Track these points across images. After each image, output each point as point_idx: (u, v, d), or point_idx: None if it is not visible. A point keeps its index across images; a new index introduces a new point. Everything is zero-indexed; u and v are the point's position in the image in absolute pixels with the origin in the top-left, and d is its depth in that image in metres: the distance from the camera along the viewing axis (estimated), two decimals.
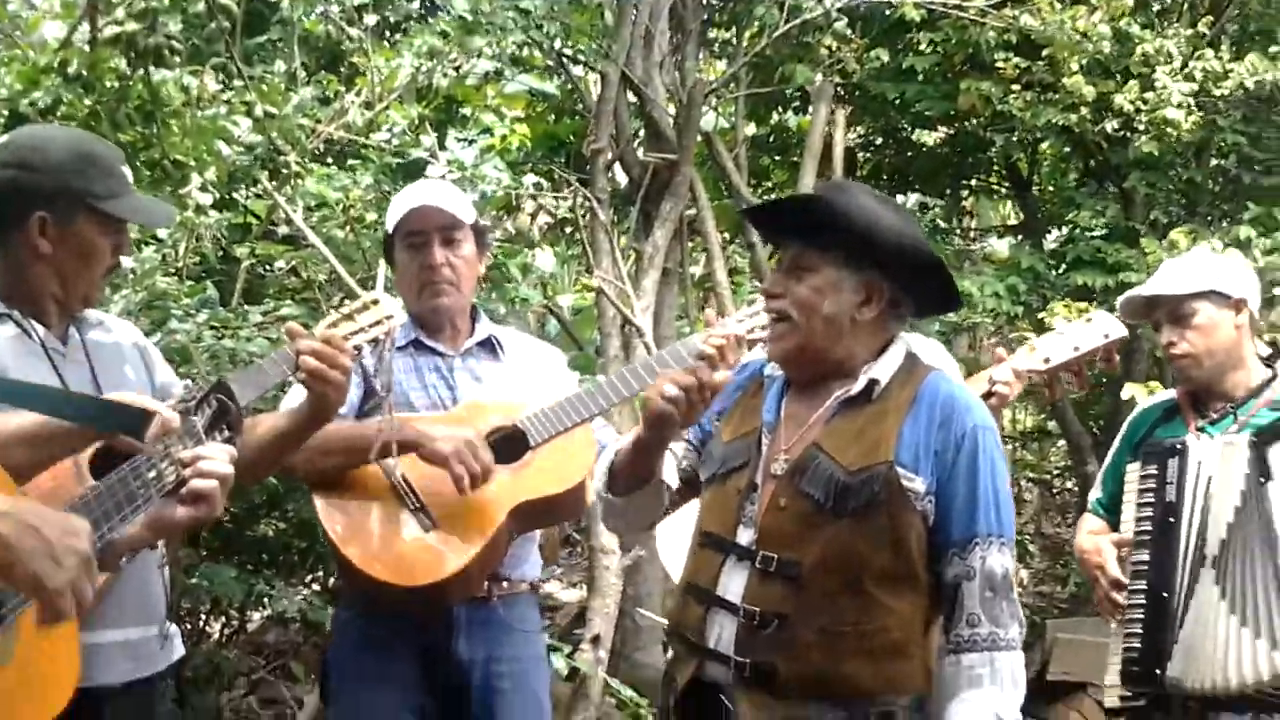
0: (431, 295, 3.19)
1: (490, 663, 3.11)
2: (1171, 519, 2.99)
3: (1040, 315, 6.85)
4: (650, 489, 2.55)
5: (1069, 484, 10.47)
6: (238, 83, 4.65)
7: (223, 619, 5.50)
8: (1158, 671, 2.93)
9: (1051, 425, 8.91)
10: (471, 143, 5.93)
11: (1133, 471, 3.14)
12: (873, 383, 2.42)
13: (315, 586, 5.39)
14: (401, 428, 2.95)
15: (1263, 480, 2.90)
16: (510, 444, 3.07)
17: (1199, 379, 3.15)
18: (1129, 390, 6.25)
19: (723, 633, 2.36)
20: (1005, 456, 2.54)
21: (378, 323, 2.69)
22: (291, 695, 5.43)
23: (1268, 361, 3.22)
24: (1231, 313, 3.12)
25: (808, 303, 2.39)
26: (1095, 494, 3.39)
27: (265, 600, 4.85)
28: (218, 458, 2.16)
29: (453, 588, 2.98)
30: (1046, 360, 3.37)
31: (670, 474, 2.60)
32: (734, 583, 2.37)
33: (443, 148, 5.28)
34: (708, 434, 2.61)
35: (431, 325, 3.24)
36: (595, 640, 5.03)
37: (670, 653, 2.56)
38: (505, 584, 3.16)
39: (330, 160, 5.51)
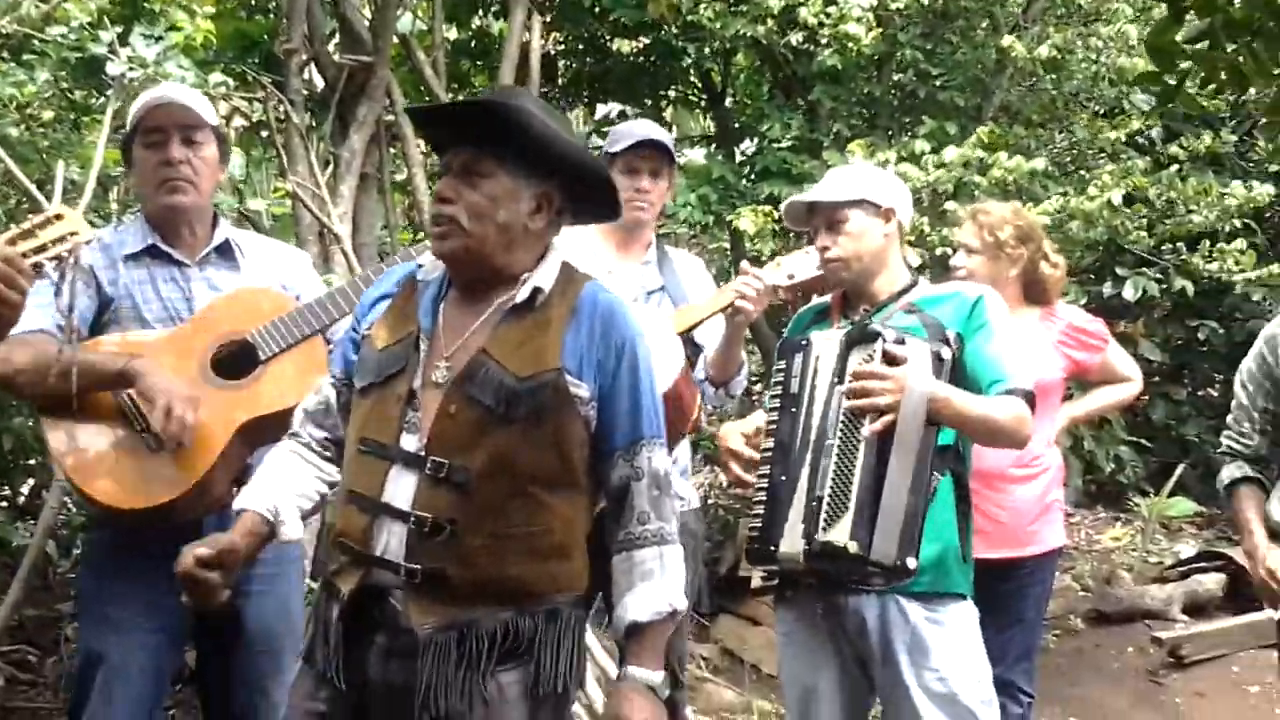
0: (169, 192, 3.14)
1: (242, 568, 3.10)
2: (794, 409, 3.20)
3: (730, 220, 7.10)
4: None
5: (762, 390, 10.86)
6: None
7: None
8: (771, 548, 3.16)
9: (745, 333, 9.16)
10: (159, 39, 5.70)
11: (775, 366, 3.33)
12: (537, 290, 2.50)
13: (1, 503, 5.19)
14: (130, 360, 2.94)
15: (837, 380, 3.13)
16: (240, 358, 3.06)
17: (847, 280, 3.35)
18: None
19: (390, 540, 2.41)
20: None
21: (61, 239, 2.62)
22: None
23: (914, 272, 3.44)
24: (881, 221, 3.32)
25: (482, 210, 2.45)
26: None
27: None
28: None
29: (179, 509, 2.96)
30: (791, 276, 3.58)
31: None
32: (402, 490, 2.42)
33: (125, 44, 5.05)
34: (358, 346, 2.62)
35: (169, 228, 3.19)
36: None
37: (333, 563, 2.54)
38: None
39: (5, 55, 5.21)
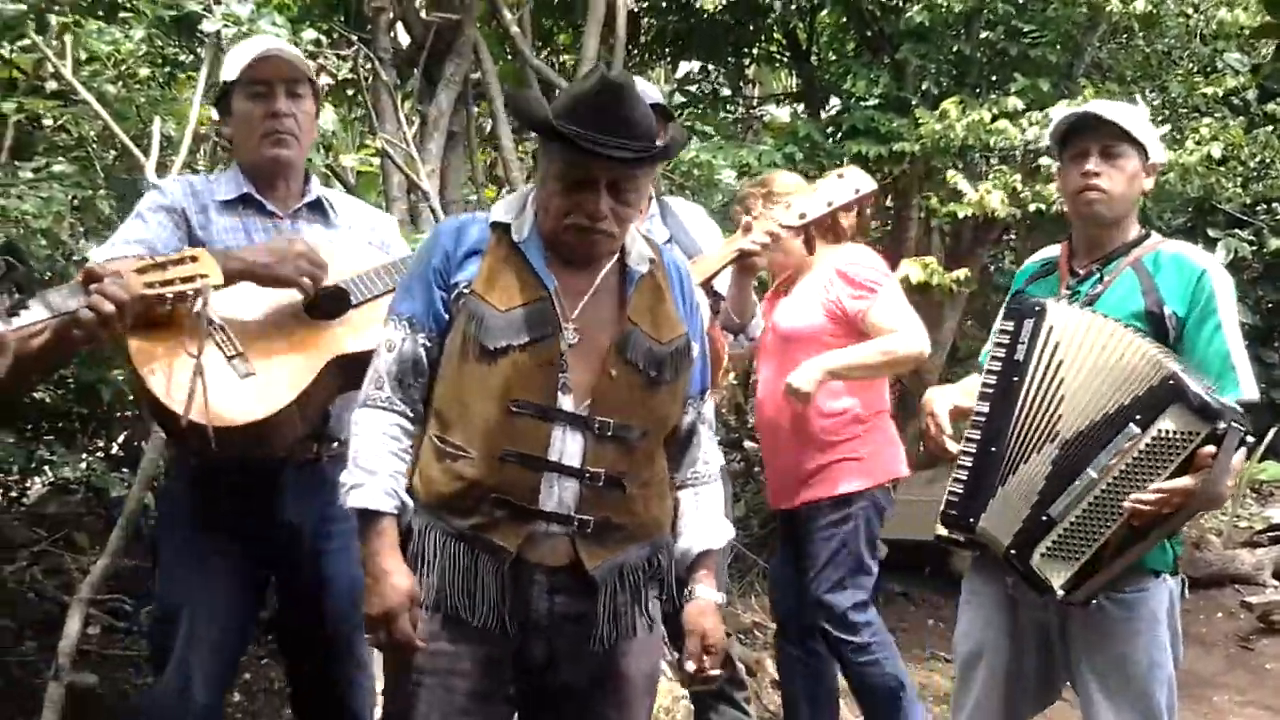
0: (273, 144, 3.15)
1: (321, 523, 3.11)
2: (1016, 378, 3.04)
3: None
4: None
5: None
6: None
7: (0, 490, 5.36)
8: (971, 520, 3.06)
9: None
10: None
11: (996, 323, 3.19)
12: (651, 261, 2.68)
13: (99, 454, 5.28)
14: (227, 257, 2.93)
15: (1140, 418, 2.89)
16: (332, 301, 3.08)
17: (1099, 217, 3.13)
18: (904, 267, 6.52)
19: (562, 494, 2.52)
20: None
21: (191, 278, 2.65)
22: (75, 566, 5.34)
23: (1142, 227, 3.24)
24: (1144, 174, 3.15)
25: (628, 217, 2.62)
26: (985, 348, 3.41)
27: (47, 467, 4.74)
28: None
29: (273, 431, 2.93)
30: (802, 216, 3.52)
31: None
32: (570, 448, 2.53)
33: (218, 1, 5.09)
34: (452, 301, 2.60)
35: (265, 179, 3.21)
36: None
37: (477, 516, 2.54)
38: (335, 444, 3.14)
39: (100, 14, 5.27)
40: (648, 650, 2.71)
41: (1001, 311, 3.19)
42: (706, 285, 3.53)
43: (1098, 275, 3.13)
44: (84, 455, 5.07)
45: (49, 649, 4.40)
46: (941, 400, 3.25)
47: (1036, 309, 3.06)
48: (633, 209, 2.59)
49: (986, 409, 3.09)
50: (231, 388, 2.93)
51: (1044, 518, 2.96)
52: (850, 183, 3.53)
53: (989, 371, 3.12)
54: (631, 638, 2.63)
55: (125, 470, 5.19)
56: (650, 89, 4.01)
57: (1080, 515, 2.93)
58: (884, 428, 4.43)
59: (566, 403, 2.53)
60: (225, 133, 3.34)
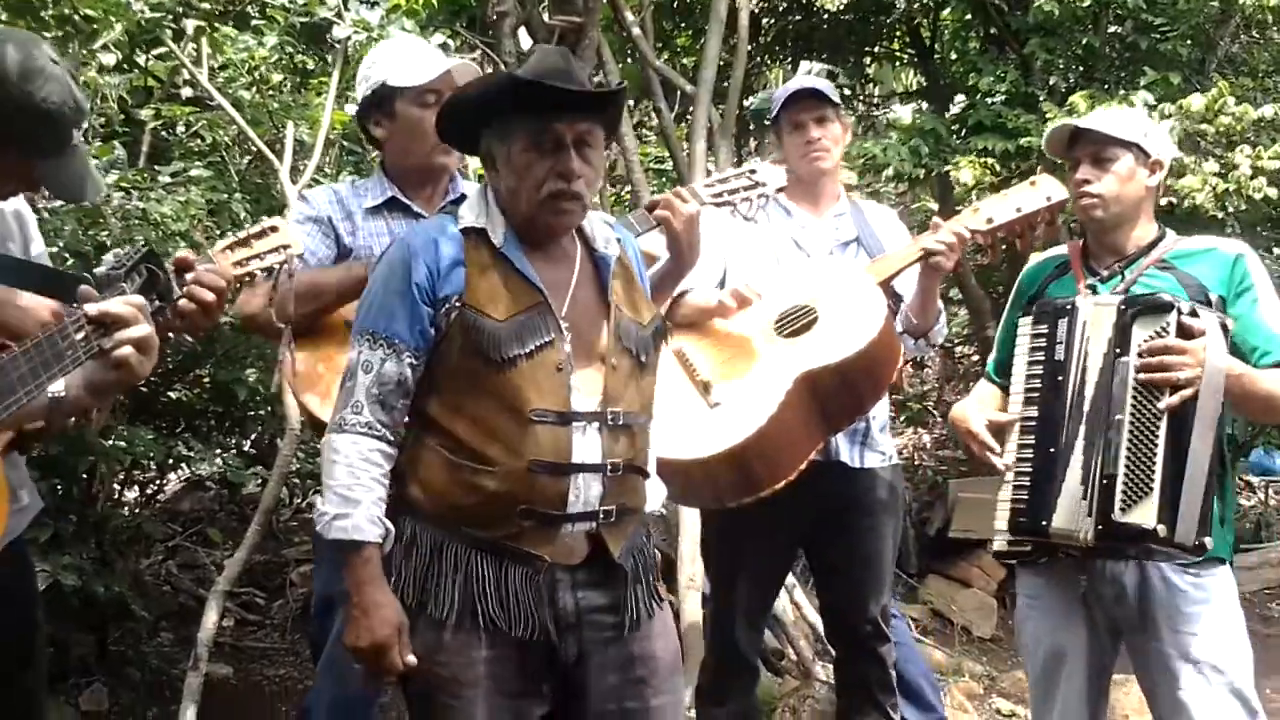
0: (443, 153, 3.22)
1: None
2: (1060, 377, 3.10)
3: (947, 170, 6.98)
4: None
5: (969, 351, 10.67)
6: None
7: (136, 488, 5.51)
8: (1043, 523, 3.06)
9: (954, 292, 8.99)
10: (375, 4, 5.85)
11: (1024, 328, 3.21)
12: (620, 243, 2.70)
13: (233, 451, 5.41)
14: (367, 267, 2.99)
15: (1119, 352, 3.00)
16: None
17: (1099, 221, 3.19)
18: (1036, 257, 6.41)
19: (587, 493, 2.49)
20: None
21: (275, 250, 2.66)
22: (210, 560, 5.47)
23: (1162, 226, 3.27)
24: (1147, 171, 3.18)
25: (593, 180, 2.57)
26: (992, 357, 3.46)
27: (184, 463, 4.86)
28: (125, 314, 2.11)
29: None
30: (989, 221, 3.47)
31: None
32: (590, 446, 2.50)
33: (347, 8, 5.19)
34: (440, 316, 2.50)
35: (415, 183, 3.28)
36: None
37: (500, 530, 2.48)
38: None
39: (231, 22, 5.41)
40: (666, 627, 2.70)
41: (1031, 315, 3.23)
42: (886, 286, 3.49)
43: (1120, 275, 3.17)
44: (218, 452, 5.17)
45: (184, 641, 4.52)
46: (976, 417, 3.26)
47: (1068, 308, 3.14)
48: (596, 172, 2.55)
49: (1036, 412, 3.14)
50: None
51: (1104, 480, 2.97)
52: (1042, 191, 3.48)
53: (1031, 376, 3.18)
54: (650, 618, 2.63)
55: (258, 467, 5.31)
56: (805, 79, 3.99)
57: (1129, 452, 2.95)
58: None
59: (580, 402, 2.50)
60: (377, 134, 3.32)
